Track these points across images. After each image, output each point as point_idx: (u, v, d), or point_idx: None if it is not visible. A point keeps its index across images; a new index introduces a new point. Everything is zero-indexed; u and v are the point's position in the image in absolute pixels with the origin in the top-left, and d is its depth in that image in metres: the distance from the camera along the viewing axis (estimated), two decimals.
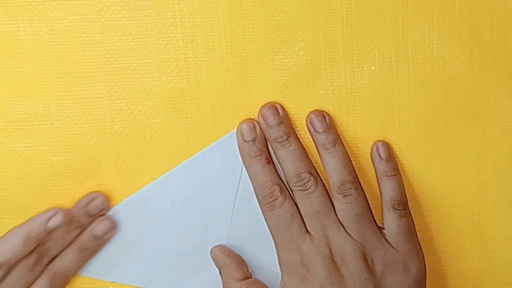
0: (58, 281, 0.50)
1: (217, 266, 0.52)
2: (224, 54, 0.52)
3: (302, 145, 0.52)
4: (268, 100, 0.52)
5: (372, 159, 0.52)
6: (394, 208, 0.51)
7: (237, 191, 0.52)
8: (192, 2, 0.51)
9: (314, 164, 0.52)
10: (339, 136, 0.52)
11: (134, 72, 0.52)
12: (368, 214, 0.51)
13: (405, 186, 0.53)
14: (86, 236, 0.51)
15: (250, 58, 0.52)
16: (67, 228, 0.50)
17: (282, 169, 0.51)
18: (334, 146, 0.51)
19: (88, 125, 0.52)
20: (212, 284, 0.53)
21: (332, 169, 0.51)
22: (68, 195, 0.52)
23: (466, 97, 0.52)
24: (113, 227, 0.52)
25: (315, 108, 0.52)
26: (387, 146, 0.52)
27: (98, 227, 0.51)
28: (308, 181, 0.50)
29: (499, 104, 0.52)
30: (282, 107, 0.52)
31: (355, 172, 0.52)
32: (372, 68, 0.52)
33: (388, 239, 0.51)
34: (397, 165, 0.52)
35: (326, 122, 0.51)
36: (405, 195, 0.52)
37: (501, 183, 0.53)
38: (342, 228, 0.50)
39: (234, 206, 0.52)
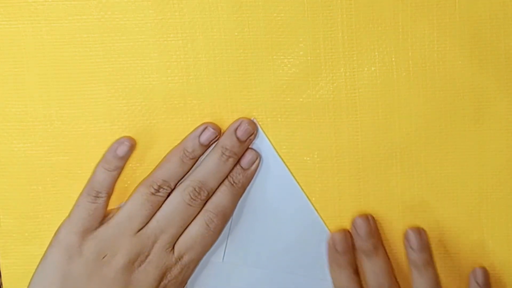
0: (216, 221, 0.51)
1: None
2: (224, 54, 0.52)
3: (389, 259, 0.52)
4: (268, 100, 0.52)
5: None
6: None
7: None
8: (192, 2, 0.51)
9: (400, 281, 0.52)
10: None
11: (134, 72, 0.52)
12: None
13: (405, 186, 0.53)
14: (234, 170, 0.52)
15: (250, 58, 0.52)
16: (220, 159, 0.51)
17: (366, 279, 0.51)
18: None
19: (88, 125, 0.52)
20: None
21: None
22: (68, 195, 0.52)
23: (466, 97, 0.52)
24: (257, 157, 0.52)
25: (315, 108, 0.52)
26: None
27: (244, 159, 0.52)
28: None
29: (499, 104, 0.52)
30: (373, 218, 0.52)
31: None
32: (372, 68, 0.52)
33: None
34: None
35: (422, 239, 0.51)
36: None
37: (501, 183, 0.53)
38: None
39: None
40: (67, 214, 0.51)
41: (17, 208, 0.53)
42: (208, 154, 0.51)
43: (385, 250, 0.52)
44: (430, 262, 0.51)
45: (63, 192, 0.53)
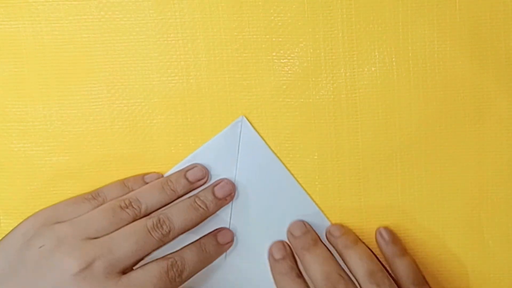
0: (176, 271, 0.48)
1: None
2: (224, 54, 0.52)
3: (329, 251, 0.52)
4: (268, 100, 0.52)
5: (378, 245, 0.52)
6: (414, 284, 0.50)
7: (234, 181, 0.53)
8: (192, 2, 0.51)
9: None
10: (358, 237, 0.52)
11: (134, 72, 0.52)
12: None
13: (405, 187, 0.53)
14: (207, 237, 0.51)
15: (250, 58, 0.52)
16: (192, 204, 0.50)
17: (310, 276, 0.51)
18: (356, 244, 0.51)
19: (88, 125, 0.52)
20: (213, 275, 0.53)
21: (358, 261, 0.50)
22: (68, 195, 0.52)
23: (466, 98, 0.52)
24: (232, 238, 0.53)
25: (315, 109, 0.52)
26: (389, 231, 0.52)
27: (220, 234, 0.52)
28: (338, 282, 0.49)
29: (499, 104, 0.52)
30: (308, 224, 0.53)
31: (381, 263, 0.51)
32: (373, 68, 0.52)
33: None
34: (404, 246, 0.52)
35: (343, 227, 0.52)
36: (421, 273, 0.52)
37: (501, 183, 0.53)
38: None
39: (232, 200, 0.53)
40: None
41: (17, 208, 0.53)
42: (181, 199, 0.51)
43: (323, 244, 0.52)
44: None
45: (63, 192, 0.53)
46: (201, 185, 0.52)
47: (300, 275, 0.51)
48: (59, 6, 0.51)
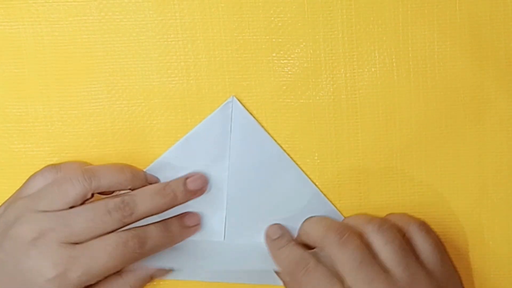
0: (133, 244, 0.48)
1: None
2: (224, 54, 0.52)
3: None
4: (268, 100, 0.52)
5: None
6: (420, 229, 0.50)
7: (228, 162, 0.52)
8: (192, 2, 0.51)
9: None
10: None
11: (134, 72, 0.52)
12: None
13: (405, 187, 0.53)
14: (174, 219, 0.52)
15: (250, 58, 0.52)
16: (161, 190, 0.50)
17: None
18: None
19: (88, 126, 0.52)
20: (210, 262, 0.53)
21: (363, 217, 0.50)
22: None
23: (466, 98, 0.52)
24: (199, 223, 0.53)
25: (315, 109, 0.52)
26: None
27: (187, 217, 0.53)
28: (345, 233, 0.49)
29: (499, 105, 0.52)
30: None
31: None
32: (373, 69, 0.52)
33: (427, 264, 0.49)
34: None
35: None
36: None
37: (501, 183, 0.53)
38: (389, 277, 0.47)
39: (227, 178, 0.53)
40: None
41: None
42: (150, 185, 0.51)
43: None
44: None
45: None
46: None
47: (298, 245, 0.51)
48: (59, 7, 0.51)
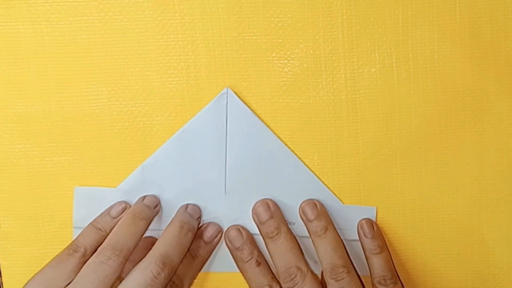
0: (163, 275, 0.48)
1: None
2: (224, 54, 0.52)
3: (293, 239, 0.52)
4: (268, 100, 0.52)
5: (359, 237, 0.53)
6: (381, 284, 0.51)
7: (226, 152, 0.53)
8: (192, 2, 0.51)
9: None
10: (330, 222, 0.52)
11: (134, 72, 0.52)
12: None
13: (405, 187, 0.53)
14: (195, 243, 0.52)
15: (250, 58, 0.52)
16: (180, 231, 0.50)
17: (274, 265, 0.51)
18: (325, 232, 0.51)
19: (88, 126, 0.52)
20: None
21: (323, 254, 0.51)
22: (69, 196, 0.52)
23: (466, 98, 0.52)
24: (220, 231, 0.53)
25: (315, 110, 0.52)
26: (371, 224, 0.52)
27: (206, 233, 0.53)
28: (295, 276, 0.50)
29: (499, 105, 0.52)
30: (273, 202, 0.53)
31: (347, 256, 0.51)
32: (373, 69, 0.52)
33: None
34: (383, 242, 0.52)
35: (317, 209, 0.52)
36: (394, 269, 0.52)
37: (501, 184, 0.53)
38: None
39: (225, 168, 0.53)
40: (67, 215, 0.52)
41: (17, 209, 0.53)
42: (166, 229, 0.51)
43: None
44: (328, 227, 0.51)
45: (63, 193, 0.53)
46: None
47: (260, 262, 0.52)
48: (59, 7, 0.51)
